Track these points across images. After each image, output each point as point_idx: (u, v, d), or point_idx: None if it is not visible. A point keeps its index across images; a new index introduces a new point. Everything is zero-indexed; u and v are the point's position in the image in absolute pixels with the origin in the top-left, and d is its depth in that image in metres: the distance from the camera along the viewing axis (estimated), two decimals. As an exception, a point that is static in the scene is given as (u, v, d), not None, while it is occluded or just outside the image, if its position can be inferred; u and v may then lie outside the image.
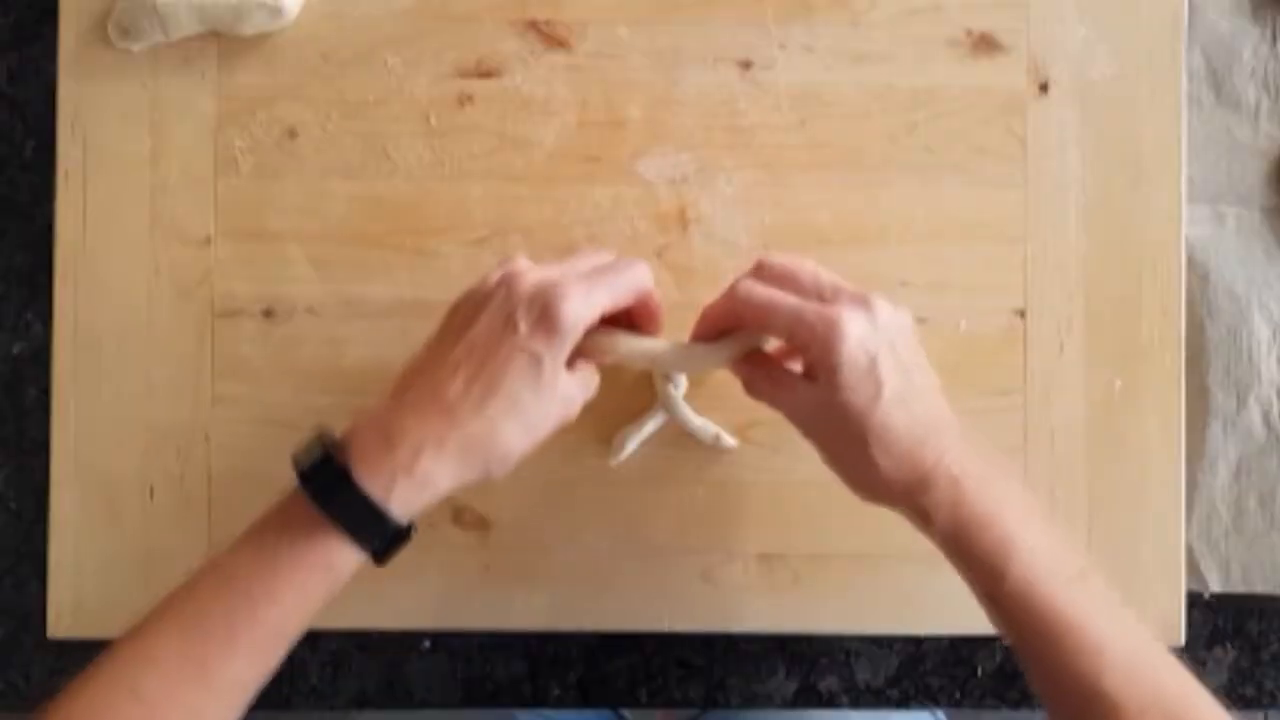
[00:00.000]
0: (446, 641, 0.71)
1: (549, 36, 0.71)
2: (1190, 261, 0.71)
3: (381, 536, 0.56)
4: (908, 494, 0.58)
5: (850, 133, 0.71)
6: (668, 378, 0.68)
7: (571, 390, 0.59)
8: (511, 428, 0.57)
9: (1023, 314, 0.70)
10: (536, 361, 0.57)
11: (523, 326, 0.57)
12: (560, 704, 0.72)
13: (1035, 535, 0.57)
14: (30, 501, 0.71)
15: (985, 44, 0.71)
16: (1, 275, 0.72)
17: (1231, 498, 0.71)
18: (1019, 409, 0.70)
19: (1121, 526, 0.70)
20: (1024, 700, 0.71)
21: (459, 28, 0.71)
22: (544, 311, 0.57)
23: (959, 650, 0.71)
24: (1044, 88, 0.71)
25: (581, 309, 0.57)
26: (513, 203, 0.71)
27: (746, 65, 0.71)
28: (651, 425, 0.69)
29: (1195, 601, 0.71)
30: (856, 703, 0.72)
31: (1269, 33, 0.73)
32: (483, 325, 0.58)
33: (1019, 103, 0.71)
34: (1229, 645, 0.72)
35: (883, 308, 0.59)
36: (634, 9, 0.71)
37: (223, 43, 0.71)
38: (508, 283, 0.58)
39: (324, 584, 0.56)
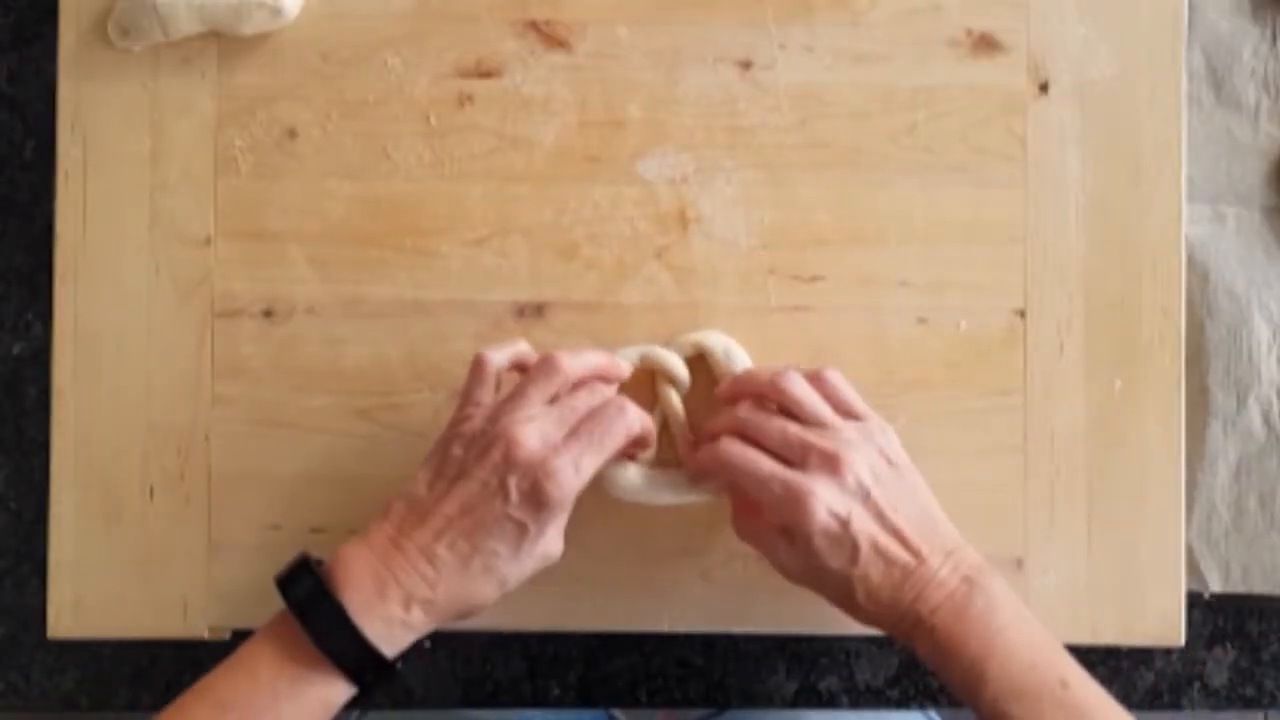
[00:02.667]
0: (446, 641, 0.71)
1: (549, 36, 0.71)
2: (1190, 261, 0.71)
3: (377, 675, 0.60)
4: (891, 628, 0.62)
5: (850, 133, 0.71)
6: (668, 380, 0.68)
7: (552, 547, 0.62)
8: (487, 585, 0.61)
9: (1023, 314, 0.70)
10: (522, 529, 0.60)
11: (514, 496, 0.59)
12: (560, 704, 0.72)
13: (1011, 652, 0.59)
14: (30, 501, 0.71)
15: (985, 44, 0.71)
16: (1, 275, 0.72)
17: (1231, 498, 0.71)
18: (1019, 409, 0.70)
19: (1121, 526, 0.70)
20: (1024, 700, 0.71)
21: (459, 28, 0.71)
22: (534, 488, 0.59)
23: (959, 650, 0.71)
24: (1044, 88, 0.71)
25: (572, 484, 0.60)
26: (513, 203, 0.71)
27: (746, 65, 0.71)
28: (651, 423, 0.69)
29: (1195, 601, 0.71)
30: (856, 703, 0.72)
31: (1269, 33, 0.73)
32: (476, 486, 0.60)
33: (1019, 103, 0.71)
34: (1229, 645, 0.72)
35: (853, 459, 0.61)
36: (634, 9, 0.71)
37: (223, 43, 0.71)
38: (505, 445, 0.60)
39: (318, 717, 0.59)
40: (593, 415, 0.62)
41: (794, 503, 0.60)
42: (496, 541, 0.60)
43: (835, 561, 0.61)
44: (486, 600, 0.61)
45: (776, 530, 0.63)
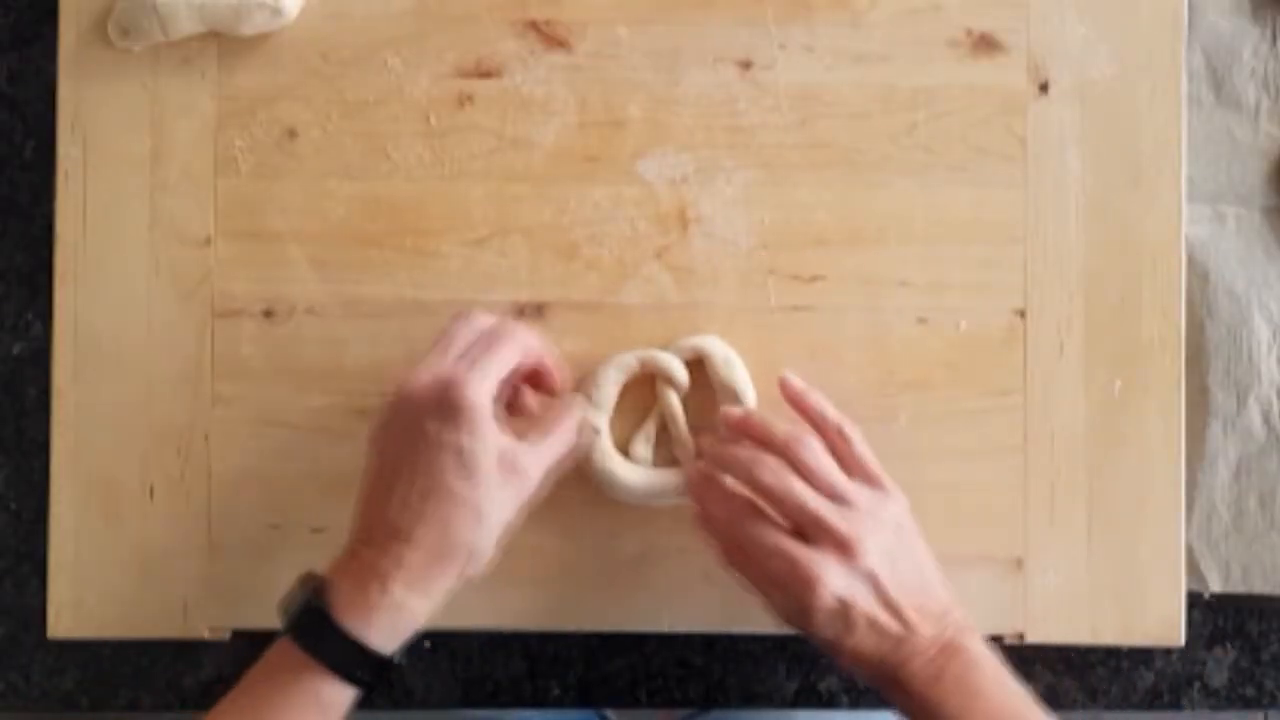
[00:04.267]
0: (446, 641, 0.71)
1: (549, 36, 0.71)
2: (1190, 261, 0.71)
3: (365, 669, 0.58)
4: (876, 684, 0.63)
5: (850, 133, 0.71)
6: (669, 383, 0.68)
7: (523, 463, 0.60)
8: (461, 524, 0.58)
9: (1023, 314, 0.70)
10: (458, 451, 0.58)
11: (430, 425, 0.59)
12: (560, 704, 0.72)
13: (987, 716, 0.60)
14: (30, 501, 0.71)
15: (985, 44, 0.71)
16: (1, 275, 0.72)
17: (1231, 498, 0.71)
18: (1019, 409, 0.70)
19: (1121, 526, 0.70)
20: (1024, 700, 0.71)
21: (459, 28, 0.71)
22: (442, 402, 0.58)
23: (959, 650, 0.71)
24: (1044, 88, 0.71)
25: (479, 385, 0.59)
26: (513, 203, 0.71)
27: (746, 65, 0.71)
28: (652, 426, 0.69)
29: (1195, 601, 0.71)
30: (856, 703, 0.72)
31: (1269, 33, 0.73)
32: (396, 440, 0.60)
33: (1019, 103, 0.71)
34: (1229, 645, 0.72)
35: (868, 544, 0.60)
36: (634, 9, 0.71)
37: (223, 43, 0.71)
38: (399, 393, 0.60)
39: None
40: (485, 334, 0.62)
41: (800, 583, 0.60)
42: (442, 476, 0.58)
43: (829, 632, 0.61)
44: (471, 543, 0.59)
45: (770, 580, 0.62)
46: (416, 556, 0.58)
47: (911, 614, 0.61)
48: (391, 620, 0.58)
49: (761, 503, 0.62)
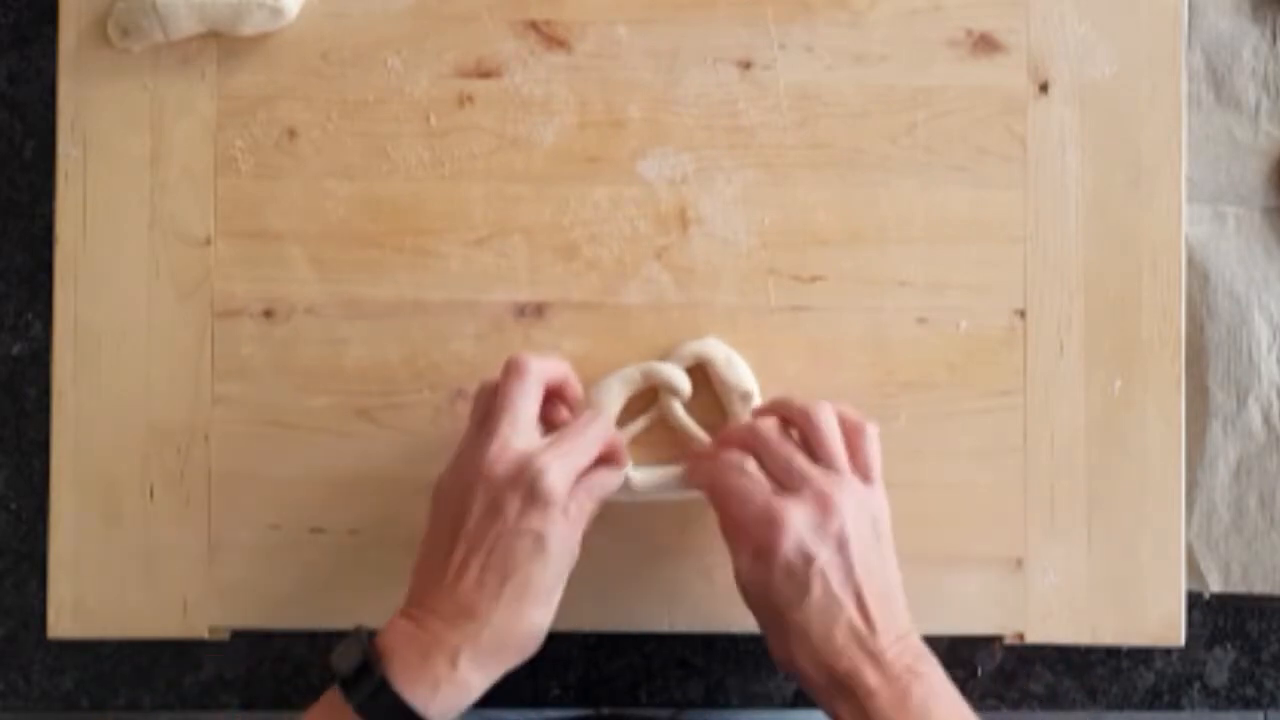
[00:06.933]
0: (446, 641, 0.71)
1: (549, 36, 0.71)
2: (1190, 261, 0.71)
3: None
4: (820, 691, 0.60)
5: (850, 133, 0.71)
6: (673, 394, 0.68)
7: (574, 544, 0.61)
8: (533, 607, 0.59)
9: (1023, 314, 0.70)
10: (537, 538, 0.59)
11: (511, 509, 0.59)
12: (560, 704, 0.72)
13: None
14: (30, 501, 0.71)
15: (985, 44, 0.71)
16: (1, 275, 0.72)
17: (1231, 498, 0.71)
18: (1019, 409, 0.70)
19: (1121, 526, 0.70)
20: (1024, 700, 0.71)
21: (459, 28, 0.71)
22: (529, 490, 0.59)
23: (959, 651, 0.71)
24: (1044, 88, 0.71)
25: (563, 475, 0.59)
26: (513, 203, 0.71)
27: (746, 65, 0.71)
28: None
29: (1195, 601, 0.71)
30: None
31: (1269, 33, 0.73)
32: (474, 519, 0.59)
33: (1019, 103, 0.71)
34: (1229, 645, 0.72)
35: (845, 508, 0.60)
36: (634, 9, 0.71)
37: (223, 43, 0.71)
38: (483, 474, 0.59)
39: None
40: (571, 424, 0.62)
41: (767, 523, 0.60)
42: (519, 561, 0.59)
43: (782, 597, 0.60)
44: (537, 625, 0.60)
45: (738, 526, 0.62)
46: (486, 635, 0.59)
47: (873, 609, 0.60)
48: (455, 696, 0.58)
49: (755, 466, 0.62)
